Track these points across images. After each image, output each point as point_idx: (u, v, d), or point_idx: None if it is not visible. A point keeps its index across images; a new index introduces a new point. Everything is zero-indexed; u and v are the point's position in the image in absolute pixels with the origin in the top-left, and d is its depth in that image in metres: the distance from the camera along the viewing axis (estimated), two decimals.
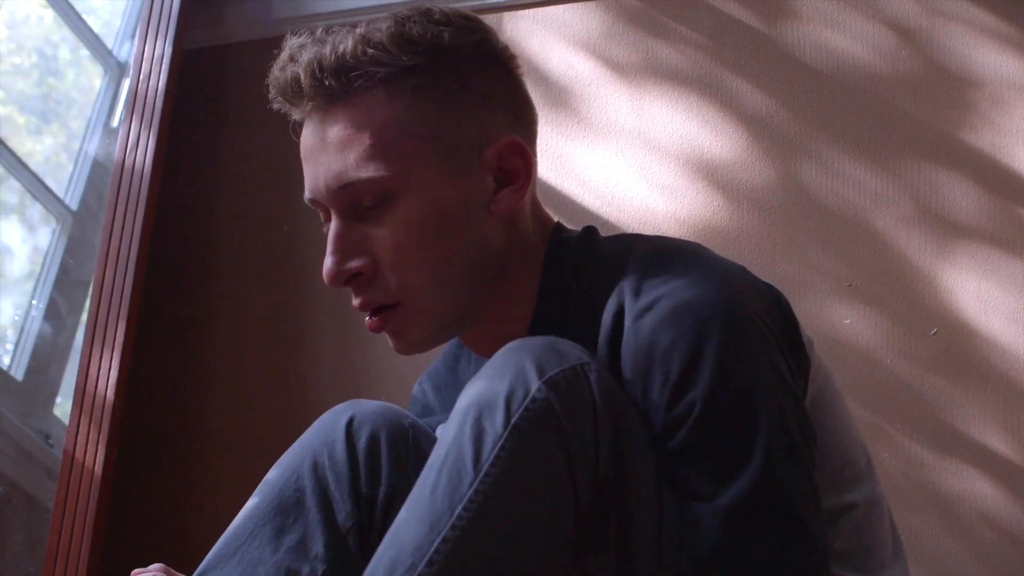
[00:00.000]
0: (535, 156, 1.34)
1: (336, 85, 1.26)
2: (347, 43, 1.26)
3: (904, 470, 2.11)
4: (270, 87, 1.30)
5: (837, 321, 2.17)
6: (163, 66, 2.40)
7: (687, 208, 2.27)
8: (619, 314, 1.22)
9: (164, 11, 2.46)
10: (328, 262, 1.29)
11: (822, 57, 2.27)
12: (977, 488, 2.08)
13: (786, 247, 2.23)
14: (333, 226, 1.30)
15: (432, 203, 1.27)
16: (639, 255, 1.27)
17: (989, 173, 2.16)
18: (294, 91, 1.28)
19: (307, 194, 1.32)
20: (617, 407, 1.15)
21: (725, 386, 1.15)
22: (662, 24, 2.34)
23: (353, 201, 1.28)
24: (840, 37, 2.27)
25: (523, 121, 1.34)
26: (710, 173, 2.28)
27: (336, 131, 1.28)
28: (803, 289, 2.18)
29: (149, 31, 2.46)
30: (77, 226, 2.49)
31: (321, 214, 1.33)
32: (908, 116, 2.22)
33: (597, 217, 2.28)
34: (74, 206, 2.50)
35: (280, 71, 1.29)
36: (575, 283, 1.30)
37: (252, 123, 2.57)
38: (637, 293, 1.21)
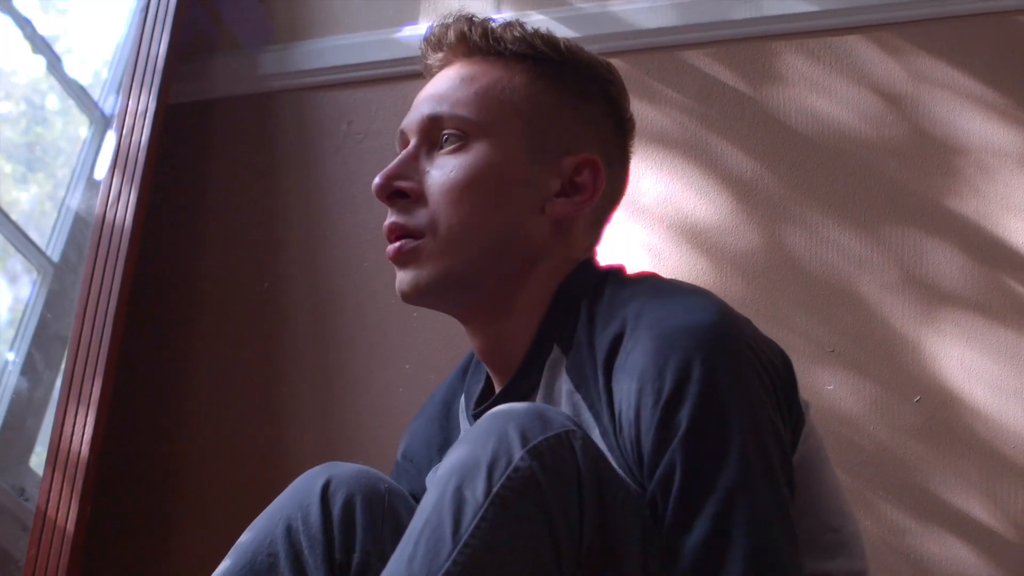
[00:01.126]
0: (609, 200, 1.41)
1: (477, 42, 1.38)
2: (501, 21, 1.40)
3: (886, 538, 2.10)
4: (422, 41, 1.43)
5: (820, 387, 2.16)
6: (147, 120, 2.40)
7: (670, 271, 2.26)
8: (619, 337, 1.23)
9: (149, 65, 2.45)
10: (382, 173, 1.36)
11: (807, 121, 2.27)
12: (959, 556, 2.07)
13: (769, 311, 2.22)
14: (406, 149, 1.38)
15: (496, 165, 1.34)
16: (648, 286, 1.30)
17: (974, 240, 2.16)
18: (439, 39, 1.41)
19: (400, 126, 1.40)
20: (603, 475, 1.14)
21: (710, 408, 1.15)
22: (647, 86, 2.34)
23: (434, 136, 1.36)
24: (826, 102, 2.27)
25: (615, 168, 1.41)
26: (694, 236, 2.28)
27: (455, 76, 1.38)
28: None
29: (134, 84, 2.45)
30: (56, 280, 2.48)
31: (399, 148, 1.40)
32: (893, 182, 2.22)
33: None
34: (56, 258, 2.49)
35: (436, 26, 1.41)
36: (587, 302, 1.32)
37: (236, 178, 2.56)
38: (638, 317, 1.23)
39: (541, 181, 1.35)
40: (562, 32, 2.36)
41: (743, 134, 2.30)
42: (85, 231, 2.47)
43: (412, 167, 1.36)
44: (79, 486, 2.15)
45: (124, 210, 2.33)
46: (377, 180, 1.35)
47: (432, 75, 1.42)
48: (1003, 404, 2.11)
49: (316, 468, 1.40)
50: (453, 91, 1.36)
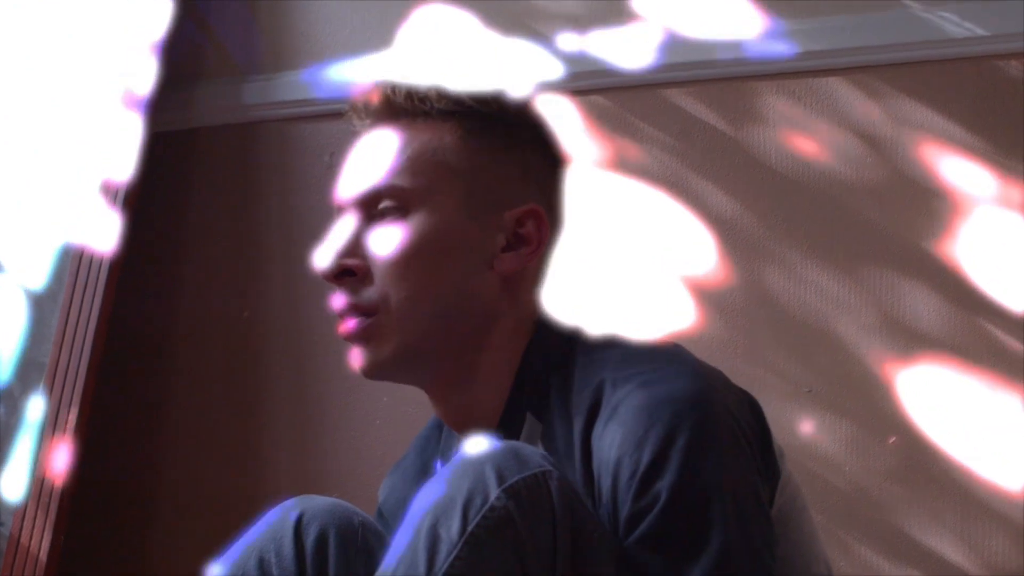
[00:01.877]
0: (551, 247, 1.39)
1: (402, 104, 1.36)
2: (425, 84, 1.38)
3: None
4: (349, 105, 1.41)
5: (796, 427, 2.16)
6: (131, 149, 2.39)
7: (648, 309, 2.27)
8: (595, 406, 1.23)
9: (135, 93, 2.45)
10: (325, 251, 1.34)
11: (787, 162, 2.28)
12: None
13: (747, 350, 2.22)
14: (345, 222, 1.36)
15: (438, 230, 1.32)
16: (620, 352, 1.29)
17: (951, 283, 2.17)
18: (366, 104, 1.39)
19: (335, 195, 1.39)
20: (577, 517, 1.14)
21: (691, 479, 1.15)
22: (629, 124, 2.35)
23: (372, 208, 1.34)
24: (806, 143, 2.28)
25: (553, 213, 1.40)
26: (673, 274, 2.28)
27: (385, 144, 1.36)
28: (762, 393, 2.14)
29: (117, 113, 2.45)
30: (36, 306, 2.47)
31: (338, 214, 1.39)
32: (872, 223, 2.22)
33: None
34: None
35: (362, 91, 1.40)
36: (556, 367, 1.31)
37: (217, 207, 2.56)
38: (615, 386, 1.22)
39: (485, 238, 1.35)
40: (546, 68, 2.38)
41: (723, 173, 2.30)
42: (65, 258, 2.46)
43: (354, 243, 1.34)
44: (53, 515, 2.14)
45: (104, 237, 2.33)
46: (323, 263, 1.34)
47: (365, 134, 1.41)
48: (979, 446, 2.11)
49: (289, 500, 1.40)
50: (385, 161, 1.35)
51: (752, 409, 1.27)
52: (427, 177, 1.33)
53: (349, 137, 2.38)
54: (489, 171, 1.36)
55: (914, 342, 2.16)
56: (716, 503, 1.15)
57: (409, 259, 1.32)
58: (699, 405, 1.18)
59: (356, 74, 2.49)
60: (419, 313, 1.32)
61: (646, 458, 1.16)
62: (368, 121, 1.39)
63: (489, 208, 1.35)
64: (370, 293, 1.32)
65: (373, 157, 1.36)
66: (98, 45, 2.64)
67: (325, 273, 1.34)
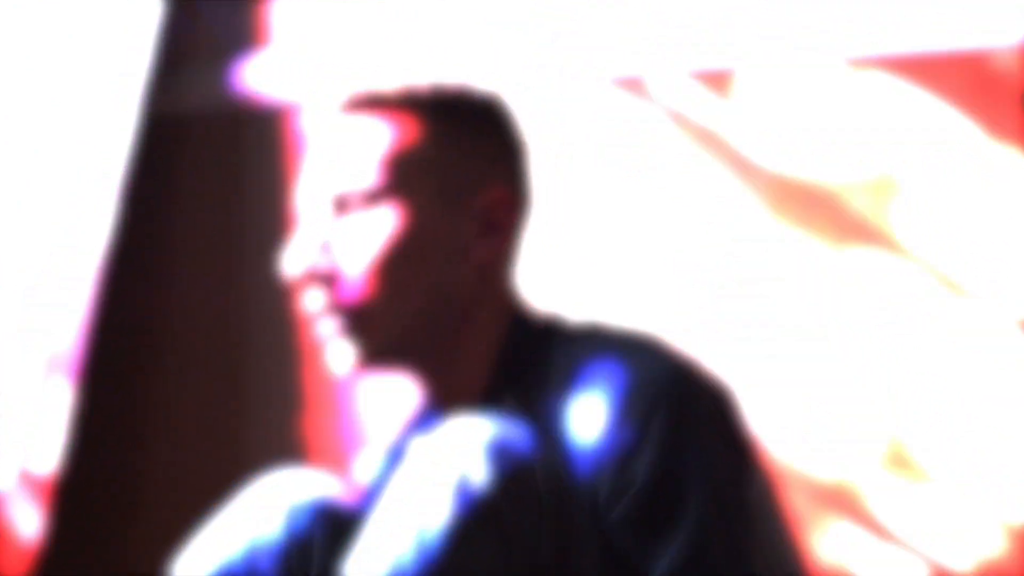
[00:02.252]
0: (520, 232, 1.39)
1: (364, 100, 1.35)
2: (388, 79, 1.37)
3: (843, 570, 2.12)
4: (312, 103, 1.44)
5: (780, 414, 2.18)
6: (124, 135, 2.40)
7: (637, 293, 2.28)
8: (575, 393, 1.23)
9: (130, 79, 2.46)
10: (296, 253, 1.32)
11: (777, 153, 2.29)
12: None
13: (734, 339, 2.23)
14: (315, 222, 1.34)
15: (410, 226, 1.31)
16: (600, 337, 1.29)
17: (939, 273, 2.18)
18: (329, 101, 1.36)
19: (301, 187, 1.37)
20: (563, 504, 1.15)
21: (669, 461, 1.16)
22: (619, 113, 2.35)
23: (342, 206, 1.33)
24: (796, 134, 2.29)
25: (521, 198, 1.39)
26: (660, 262, 2.29)
27: (350, 141, 1.34)
28: (745, 382, 2.18)
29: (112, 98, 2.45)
30: (26, 297, 2.47)
31: (304, 214, 1.37)
32: (861, 214, 2.23)
33: None
34: None
35: (326, 90, 1.44)
36: (536, 351, 1.32)
37: (206, 193, 2.56)
38: (595, 368, 1.23)
39: (457, 229, 1.34)
40: (532, 62, 2.39)
41: (712, 163, 2.31)
42: (55, 245, 2.47)
43: (327, 241, 1.33)
44: (40, 505, 2.15)
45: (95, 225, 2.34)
46: (295, 266, 1.33)
47: (325, 138, 1.40)
48: (965, 435, 2.12)
49: (272, 480, 1.40)
50: (352, 158, 1.34)
51: (730, 398, 1.28)
52: (396, 172, 1.33)
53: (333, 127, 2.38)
54: (456, 161, 1.35)
55: (901, 331, 2.18)
56: (694, 485, 1.16)
57: (383, 257, 1.31)
58: (678, 388, 1.20)
59: (344, 65, 2.50)
60: (398, 309, 1.31)
61: (624, 439, 1.17)
62: (331, 118, 1.38)
63: (458, 198, 1.34)
64: (347, 292, 1.31)
65: (338, 155, 1.35)
66: (91, 36, 2.65)
67: (298, 276, 1.33)
